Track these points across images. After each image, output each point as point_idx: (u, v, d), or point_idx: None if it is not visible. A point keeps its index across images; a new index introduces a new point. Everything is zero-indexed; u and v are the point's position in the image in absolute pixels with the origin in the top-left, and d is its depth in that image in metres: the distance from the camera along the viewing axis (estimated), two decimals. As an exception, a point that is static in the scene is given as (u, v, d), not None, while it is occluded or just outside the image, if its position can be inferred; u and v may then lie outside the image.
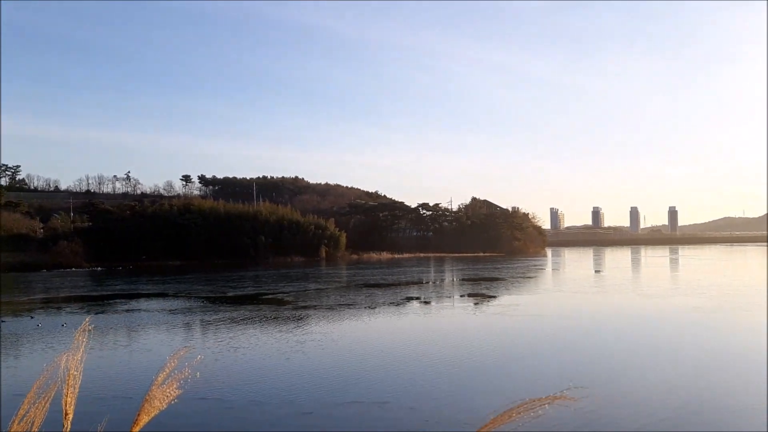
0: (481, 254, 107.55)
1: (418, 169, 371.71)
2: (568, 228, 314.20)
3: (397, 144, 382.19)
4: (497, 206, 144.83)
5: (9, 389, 13.23)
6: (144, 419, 3.07)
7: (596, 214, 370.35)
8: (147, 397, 3.11)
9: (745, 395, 12.31)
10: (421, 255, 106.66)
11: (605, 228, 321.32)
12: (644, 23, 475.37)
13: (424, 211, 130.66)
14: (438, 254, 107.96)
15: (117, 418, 9.76)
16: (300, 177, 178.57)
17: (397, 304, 30.10)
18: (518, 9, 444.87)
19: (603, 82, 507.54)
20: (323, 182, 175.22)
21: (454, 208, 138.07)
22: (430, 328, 23.02)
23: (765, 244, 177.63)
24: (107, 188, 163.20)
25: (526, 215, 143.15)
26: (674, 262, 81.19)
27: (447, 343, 19.11)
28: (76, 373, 3.07)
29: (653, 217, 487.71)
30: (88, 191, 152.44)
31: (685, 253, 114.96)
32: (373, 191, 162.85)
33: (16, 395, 12.01)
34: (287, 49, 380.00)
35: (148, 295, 36.87)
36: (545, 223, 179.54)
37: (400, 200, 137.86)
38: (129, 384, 13.97)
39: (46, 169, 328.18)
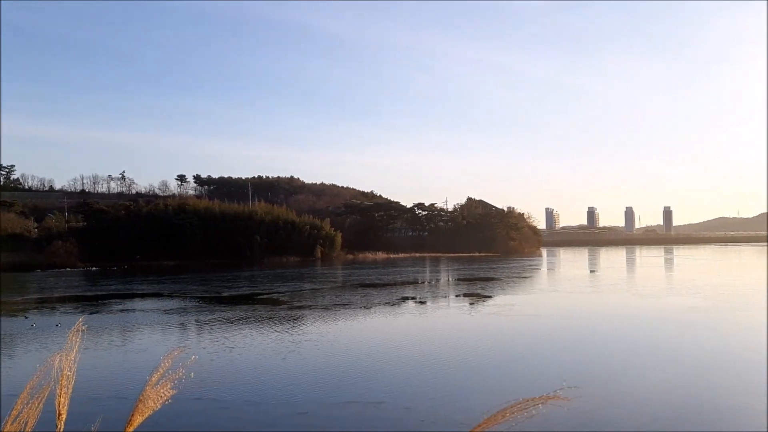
0: (477, 254, 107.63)
1: (413, 169, 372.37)
2: (563, 228, 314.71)
3: (392, 144, 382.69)
4: (493, 206, 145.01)
5: (2, 390, 13.17)
6: (138, 419, 3.07)
7: (591, 214, 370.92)
8: (141, 398, 3.10)
9: (741, 395, 12.35)
10: (417, 255, 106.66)
11: (600, 228, 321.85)
12: (643, 23, 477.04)
13: (420, 211, 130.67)
14: (433, 254, 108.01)
15: (111, 418, 9.74)
16: (295, 177, 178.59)
17: (393, 304, 30.10)
18: (517, 9, 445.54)
19: (600, 83, 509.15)
20: (319, 182, 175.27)
21: (450, 208, 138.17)
22: (425, 328, 23.03)
23: (760, 244, 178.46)
24: (102, 188, 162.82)
25: (521, 215, 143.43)
26: (669, 262, 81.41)
27: (442, 343, 19.12)
28: (69, 373, 3.06)
29: (648, 217, 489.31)
30: (82, 191, 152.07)
31: (680, 253, 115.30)
32: (369, 191, 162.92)
33: (9, 395, 11.96)
34: (284, 49, 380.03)
35: (143, 295, 36.78)
36: (540, 223, 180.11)
37: (395, 200, 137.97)
38: (123, 384, 13.94)
39: (41, 169, 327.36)
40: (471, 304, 30.28)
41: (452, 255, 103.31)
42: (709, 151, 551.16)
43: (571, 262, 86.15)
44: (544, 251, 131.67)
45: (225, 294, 37.30)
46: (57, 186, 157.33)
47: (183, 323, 24.51)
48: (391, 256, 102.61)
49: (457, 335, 20.85)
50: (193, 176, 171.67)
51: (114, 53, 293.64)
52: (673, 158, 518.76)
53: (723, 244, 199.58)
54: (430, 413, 11.30)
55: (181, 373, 3.29)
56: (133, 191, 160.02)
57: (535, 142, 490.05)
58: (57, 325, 23.36)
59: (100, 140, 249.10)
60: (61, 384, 3.03)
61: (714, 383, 13.37)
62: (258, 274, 58.74)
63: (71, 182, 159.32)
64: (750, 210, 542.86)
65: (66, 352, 3.12)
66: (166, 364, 3.26)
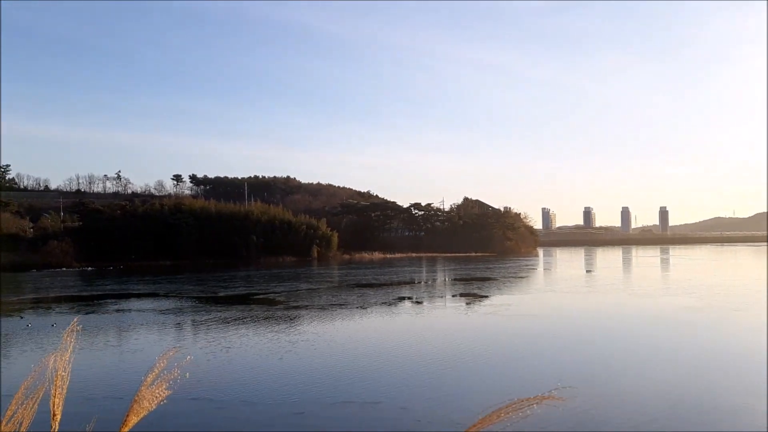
0: (473, 254, 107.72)
1: (410, 169, 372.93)
2: (559, 228, 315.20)
3: (389, 144, 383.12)
4: (489, 206, 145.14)
5: (-2, 390, 13.14)
6: (133, 420, 3.06)
7: (588, 214, 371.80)
8: (136, 398, 3.10)
9: (740, 395, 12.37)
10: (413, 255, 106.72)
11: (597, 228, 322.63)
12: (643, 24, 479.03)
13: (416, 211, 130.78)
14: (430, 254, 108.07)
15: (106, 418, 9.73)
16: (292, 177, 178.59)
17: (389, 304, 30.10)
18: (517, 9, 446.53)
19: (598, 83, 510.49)
20: (315, 182, 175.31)
21: (446, 208, 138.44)
22: (422, 327, 23.03)
23: (756, 244, 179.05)
24: (98, 188, 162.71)
25: (517, 215, 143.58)
26: (665, 262, 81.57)
27: (439, 343, 19.12)
28: (64, 373, 3.06)
29: (644, 217, 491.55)
30: (78, 191, 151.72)
31: (676, 253, 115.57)
32: (366, 191, 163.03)
33: (4, 396, 11.93)
34: (282, 49, 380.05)
35: (139, 295, 36.71)
36: (537, 223, 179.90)
37: (392, 200, 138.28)
38: (118, 384, 13.91)
39: (36, 169, 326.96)
40: (467, 304, 30.30)
41: (449, 255, 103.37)
42: (705, 152, 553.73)
43: (568, 262, 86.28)
44: (540, 251, 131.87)
45: (221, 294, 37.26)
46: (52, 186, 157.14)
47: (179, 323, 24.47)
48: (388, 256, 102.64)
49: (454, 335, 20.85)
50: (189, 176, 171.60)
51: (111, 53, 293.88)
52: (670, 158, 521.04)
53: (719, 244, 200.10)
54: (426, 413, 11.30)
55: (176, 374, 3.28)
56: (129, 191, 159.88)
57: (533, 142, 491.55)
58: (52, 326, 23.31)
59: (95, 140, 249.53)
60: (56, 384, 3.02)
61: (712, 383, 13.39)
62: (254, 274, 58.69)
63: (67, 182, 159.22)
64: (746, 210, 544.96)
65: (61, 353, 3.11)
66: (162, 365, 3.26)
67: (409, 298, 33.99)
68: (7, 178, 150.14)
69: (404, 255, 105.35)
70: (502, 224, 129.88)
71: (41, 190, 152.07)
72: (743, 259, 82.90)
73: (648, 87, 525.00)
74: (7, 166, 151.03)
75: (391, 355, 17.22)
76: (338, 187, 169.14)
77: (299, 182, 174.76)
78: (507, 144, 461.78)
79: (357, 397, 12.47)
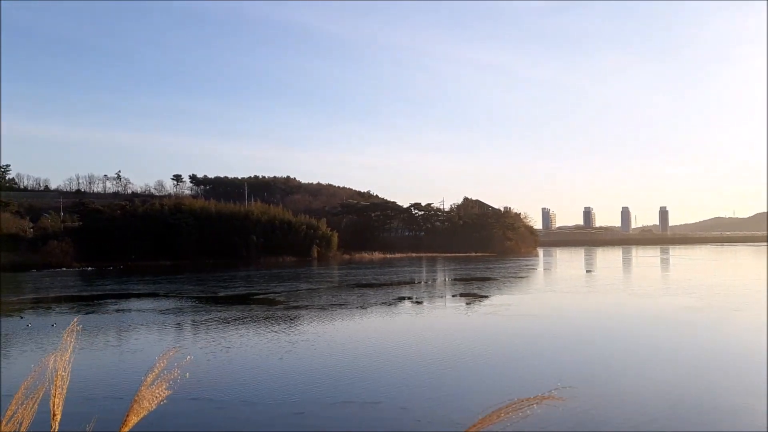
0: (473, 254, 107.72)
1: (410, 169, 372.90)
2: (559, 228, 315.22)
3: (389, 144, 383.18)
4: (489, 206, 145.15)
5: (-2, 390, 13.14)
6: (133, 420, 3.06)
7: (588, 214, 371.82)
8: (136, 398, 3.10)
9: (740, 395, 12.37)
10: (413, 255, 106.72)
11: (596, 228, 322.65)
12: (642, 24, 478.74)
13: (416, 211, 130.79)
14: (430, 254, 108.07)
15: (106, 418, 9.73)
16: (292, 177, 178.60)
17: (389, 304, 30.10)
18: (516, 9, 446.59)
19: (598, 83, 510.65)
20: (315, 182, 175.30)
21: (446, 208, 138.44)
22: (422, 327, 23.03)
23: (756, 244, 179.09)
24: (98, 188, 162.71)
25: (517, 215, 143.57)
26: (665, 262, 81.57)
27: (439, 343, 19.12)
28: (64, 373, 3.06)
29: (644, 217, 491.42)
30: (78, 191, 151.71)
31: (676, 253, 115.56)
32: (365, 191, 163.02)
33: (5, 396, 11.93)
34: (282, 49, 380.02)
35: (139, 295, 36.72)
36: (537, 223, 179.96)
37: (392, 200, 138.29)
38: (119, 384, 13.91)
39: (36, 169, 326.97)
40: (467, 304, 30.30)
41: (449, 255, 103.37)
42: (705, 152, 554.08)
43: (568, 262, 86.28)
44: (540, 251, 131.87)
45: (221, 294, 37.26)
46: (52, 186, 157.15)
47: (179, 323, 24.47)
48: (388, 256, 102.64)
49: (454, 335, 20.85)
50: (189, 176, 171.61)
51: (111, 53, 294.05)
52: (670, 158, 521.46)
53: (719, 244, 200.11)
54: (426, 413, 11.30)
55: (176, 374, 3.29)
56: (129, 191, 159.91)
57: (533, 142, 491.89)
58: (52, 326, 23.31)
59: (95, 140, 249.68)
60: (56, 384, 3.02)
61: (712, 383, 13.38)
62: (254, 274, 58.69)
63: (67, 182, 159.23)
64: (746, 210, 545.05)
65: (61, 353, 3.11)
66: (162, 365, 3.26)
67: (409, 298, 33.99)
68: (7, 178, 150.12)
69: (404, 255, 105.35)
70: (502, 224, 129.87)
71: (41, 190, 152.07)
72: (743, 259, 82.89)
73: (648, 87, 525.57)
74: (7, 166, 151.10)
75: (391, 355, 17.22)
76: (338, 187, 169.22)
77: (299, 182, 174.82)
78: (507, 144, 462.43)
79: (357, 397, 12.47)
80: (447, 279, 50.69)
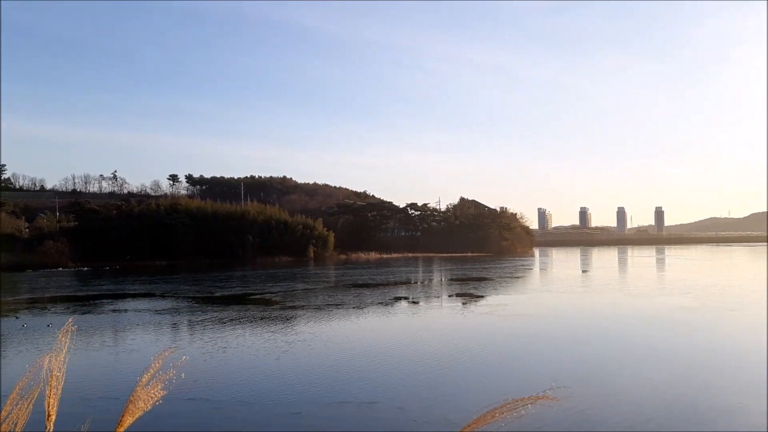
0: (470, 254, 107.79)
1: (406, 169, 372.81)
2: (555, 228, 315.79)
3: (385, 144, 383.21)
4: (485, 206, 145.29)
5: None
6: (128, 420, 3.06)
7: (583, 214, 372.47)
8: (131, 398, 3.10)
9: (737, 395, 12.41)
10: (410, 255, 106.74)
11: (592, 228, 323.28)
12: (641, 24, 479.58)
13: (413, 211, 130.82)
14: (426, 254, 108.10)
15: (101, 418, 9.71)
16: (288, 177, 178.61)
17: (386, 304, 30.10)
18: (515, 10, 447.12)
19: (596, 83, 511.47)
20: (311, 182, 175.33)
21: (443, 208, 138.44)
22: (418, 327, 23.04)
23: (751, 244, 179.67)
24: (93, 188, 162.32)
25: (513, 215, 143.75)
26: (660, 262, 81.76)
27: (435, 343, 19.14)
28: (59, 374, 3.05)
29: (640, 218, 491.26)
30: (74, 191, 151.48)
31: (672, 253, 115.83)
32: (362, 191, 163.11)
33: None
34: (280, 49, 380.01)
35: (135, 296, 36.65)
36: (533, 223, 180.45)
37: (388, 200, 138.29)
38: (114, 385, 13.88)
39: (32, 169, 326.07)
40: (463, 304, 30.32)
41: (445, 255, 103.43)
42: (701, 152, 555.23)
43: (564, 262, 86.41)
44: (536, 251, 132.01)
45: (217, 294, 37.21)
46: (48, 186, 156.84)
47: (175, 323, 24.44)
48: (384, 256, 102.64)
49: (450, 335, 20.87)
50: (185, 176, 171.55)
51: (108, 53, 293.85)
52: (666, 159, 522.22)
53: (714, 244, 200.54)
54: (423, 413, 11.31)
55: (172, 374, 3.29)
56: (125, 191, 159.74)
57: (529, 142, 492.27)
58: (48, 326, 23.25)
59: (91, 140, 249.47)
60: (51, 385, 3.02)
61: (708, 383, 13.42)
62: (250, 274, 58.64)
63: (62, 182, 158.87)
64: (741, 210, 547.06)
65: (56, 353, 3.11)
66: (157, 365, 3.26)
67: (406, 298, 34.00)
68: (2, 178, 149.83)
69: (400, 255, 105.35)
70: (499, 224, 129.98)
71: (37, 190, 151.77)
72: (738, 260, 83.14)
73: (645, 87, 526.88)
74: (3, 165, 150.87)
75: (387, 355, 17.22)
76: (335, 187, 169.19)
77: (296, 182, 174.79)
78: (503, 144, 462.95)
79: (354, 397, 12.47)
80: (443, 279, 50.72)
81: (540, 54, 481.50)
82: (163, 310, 28.55)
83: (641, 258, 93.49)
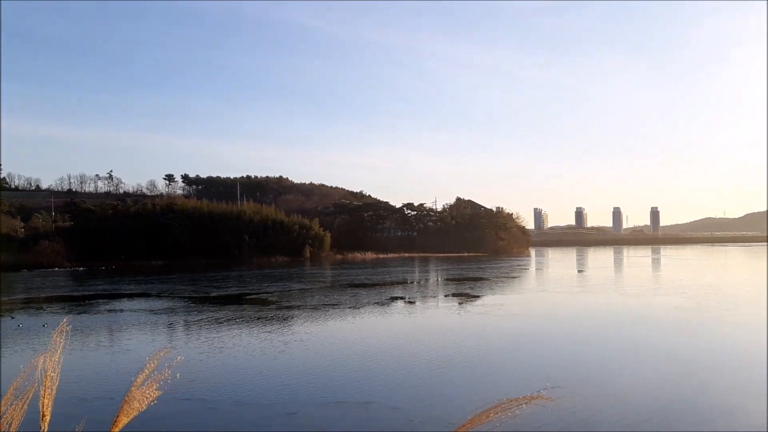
0: (466, 254, 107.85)
1: (403, 169, 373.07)
2: (551, 228, 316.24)
3: (382, 144, 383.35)
4: (481, 206, 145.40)
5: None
6: (123, 420, 3.06)
7: (579, 214, 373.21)
8: (126, 398, 3.09)
9: (729, 394, 12.46)
10: (406, 255, 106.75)
11: (588, 228, 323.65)
12: (640, 24, 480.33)
13: (409, 211, 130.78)
14: (423, 254, 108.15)
15: (96, 419, 9.70)
16: (284, 177, 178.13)
17: (382, 304, 30.11)
18: (513, 10, 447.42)
19: (593, 84, 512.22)
20: (308, 182, 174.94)
21: (439, 208, 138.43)
22: (414, 328, 23.05)
23: (746, 244, 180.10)
24: (89, 187, 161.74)
25: (510, 215, 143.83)
26: (656, 262, 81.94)
27: (432, 343, 19.15)
28: (53, 374, 3.05)
29: (635, 218, 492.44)
30: (69, 190, 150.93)
31: (667, 253, 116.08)
32: (358, 191, 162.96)
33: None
34: (276, 49, 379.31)
35: (131, 295, 36.58)
36: (529, 224, 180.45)
37: (384, 200, 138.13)
38: (110, 385, 13.85)
39: (27, 168, 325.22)
40: (460, 304, 30.34)
41: (441, 255, 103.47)
42: (697, 153, 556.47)
43: (560, 262, 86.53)
44: (532, 251, 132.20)
45: (213, 294, 37.17)
46: (44, 185, 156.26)
47: (171, 323, 24.40)
48: (380, 256, 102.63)
49: (446, 335, 20.89)
50: (181, 176, 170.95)
51: (104, 53, 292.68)
52: (662, 159, 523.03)
53: (709, 244, 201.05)
54: (419, 413, 11.32)
55: (167, 374, 3.28)
56: (121, 191, 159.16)
57: (526, 143, 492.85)
58: (44, 326, 23.20)
59: (87, 140, 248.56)
60: (45, 385, 3.01)
61: (704, 383, 13.44)
62: (246, 274, 58.58)
63: (58, 182, 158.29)
64: (736, 211, 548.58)
65: (50, 353, 3.10)
66: (152, 365, 3.25)
67: (402, 298, 34.00)
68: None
69: (397, 255, 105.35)
70: (494, 224, 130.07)
71: (32, 190, 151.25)
72: (733, 260, 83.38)
73: (642, 88, 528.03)
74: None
75: (383, 355, 17.23)
76: (331, 187, 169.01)
77: (292, 182, 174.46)
78: (500, 145, 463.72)
79: (350, 397, 12.47)
80: (439, 279, 50.75)
81: (538, 54, 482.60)
82: (158, 310, 28.50)
83: (637, 258, 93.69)
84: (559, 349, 17.83)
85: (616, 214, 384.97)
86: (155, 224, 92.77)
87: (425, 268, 68.08)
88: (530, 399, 2.78)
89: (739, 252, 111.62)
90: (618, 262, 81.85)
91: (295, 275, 56.82)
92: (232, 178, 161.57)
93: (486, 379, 14.21)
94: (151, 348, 18.02)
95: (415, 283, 47.53)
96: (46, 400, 2.98)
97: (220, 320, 24.45)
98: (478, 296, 33.72)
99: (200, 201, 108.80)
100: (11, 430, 3.00)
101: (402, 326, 23.55)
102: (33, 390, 3.07)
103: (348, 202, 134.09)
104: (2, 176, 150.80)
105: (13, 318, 25.91)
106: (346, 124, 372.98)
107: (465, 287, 39.88)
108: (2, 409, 3.02)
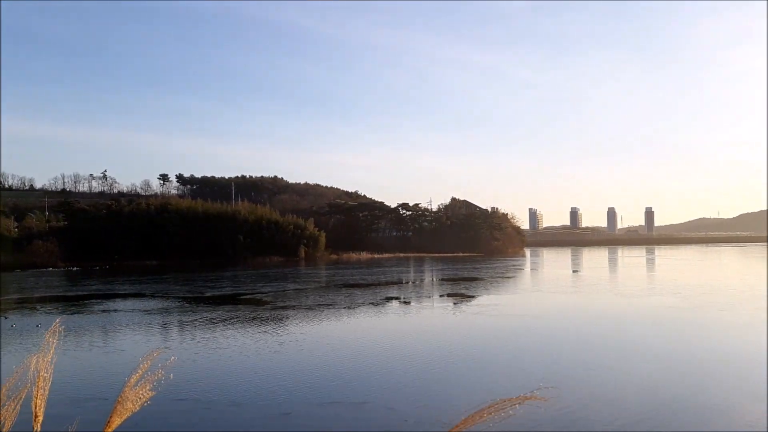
0: (461, 254, 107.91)
1: (398, 169, 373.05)
2: (546, 228, 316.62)
3: (377, 144, 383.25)
4: (476, 206, 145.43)
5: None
6: (116, 421, 3.05)
7: (574, 214, 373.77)
8: (119, 399, 3.08)
9: (725, 394, 12.50)
10: (401, 255, 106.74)
11: (583, 228, 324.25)
12: (637, 24, 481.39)
13: (404, 211, 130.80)
14: (418, 254, 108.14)
15: (89, 419, 9.66)
16: (279, 177, 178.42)
17: (377, 305, 30.10)
18: (508, 10, 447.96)
19: (587, 85, 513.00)
20: (302, 182, 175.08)
21: (434, 208, 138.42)
22: (409, 328, 23.06)
23: (740, 244, 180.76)
24: (83, 187, 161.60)
25: (505, 215, 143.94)
26: (650, 262, 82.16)
27: (427, 344, 19.16)
28: (46, 374, 3.04)
29: (630, 218, 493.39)
30: (63, 190, 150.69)
31: (661, 253, 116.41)
32: (353, 191, 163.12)
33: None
34: (272, 49, 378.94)
35: (125, 296, 36.46)
36: (524, 224, 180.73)
37: (379, 200, 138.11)
38: (103, 386, 13.81)
39: (21, 168, 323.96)
40: (454, 304, 30.36)
41: (436, 255, 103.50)
42: (692, 153, 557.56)
43: (555, 262, 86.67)
44: (527, 251, 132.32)
45: (208, 294, 37.08)
46: (38, 185, 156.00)
47: (165, 324, 24.34)
48: (376, 256, 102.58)
49: (441, 335, 20.90)
50: (176, 176, 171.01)
51: (98, 52, 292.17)
52: (657, 159, 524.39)
53: (704, 244, 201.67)
54: (413, 413, 11.32)
55: (161, 374, 3.27)
56: (115, 190, 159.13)
57: (521, 143, 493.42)
58: (37, 326, 23.10)
59: (81, 139, 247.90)
60: (38, 386, 3.00)
61: (700, 383, 13.48)
62: (241, 274, 58.47)
63: (52, 181, 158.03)
64: (730, 211, 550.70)
65: (43, 354, 3.09)
66: (146, 365, 3.24)
67: (397, 298, 33.99)
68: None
69: (392, 255, 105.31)
70: (489, 224, 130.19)
71: (26, 190, 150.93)
72: (728, 260, 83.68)
73: (638, 88, 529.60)
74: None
75: (378, 355, 17.22)
76: (326, 187, 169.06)
77: (287, 182, 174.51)
78: (495, 145, 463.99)
79: (344, 398, 12.46)
80: (434, 279, 50.77)
81: (533, 55, 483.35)
82: (152, 310, 28.43)
83: (631, 258, 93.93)
84: (553, 349, 17.86)
85: (611, 214, 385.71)
86: (149, 224, 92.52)
87: (420, 268, 68.10)
88: (524, 399, 2.78)
89: (734, 252, 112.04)
90: (612, 263, 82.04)
91: (289, 275, 56.75)
92: (226, 177, 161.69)
93: (480, 379, 14.22)
94: (144, 348, 17.97)
95: (410, 283, 47.54)
96: (38, 401, 2.97)
97: (215, 320, 24.40)
98: (472, 296, 33.75)
99: (195, 201, 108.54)
100: (4, 430, 2.98)
101: (397, 326, 23.55)
102: (26, 390, 3.06)
103: (343, 202, 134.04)
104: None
105: (6, 318, 25.79)
106: (341, 124, 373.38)
107: (460, 287, 39.90)
108: (-6, 409, 3.01)
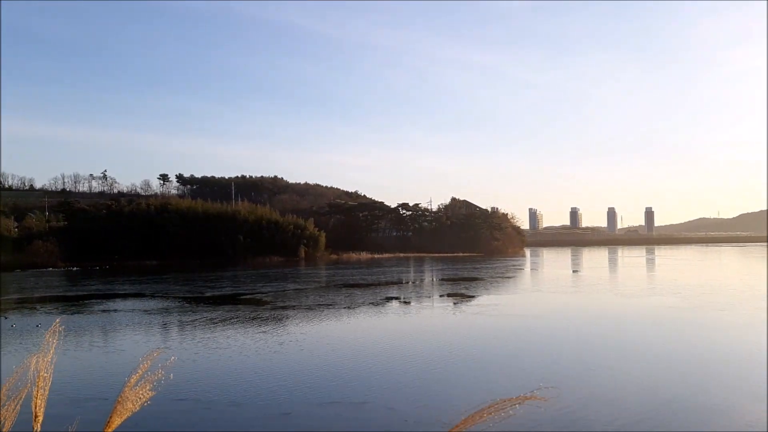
0: (461, 254, 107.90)
1: (398, 169, 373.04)
2: (546, 228, 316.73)
3: (377, 144, 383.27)
4: (476, 206, 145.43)
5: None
6: (116, 421, 3.05)
7: (574, 214, 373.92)
8: (119, 399, 3.08)
9: (724, 394, 12.49)
10: (401, 255, 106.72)
11: (583, 228, 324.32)
12: (636, 24, 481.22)
13: (404, 212, 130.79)
14: (418, 254, 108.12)
15: (89, 419, 9.66)
16: (279, 176, 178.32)
17: (377, 305, 30.09)
18: (507, 10, 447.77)
19: (587, 85, 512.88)
20: (303, 182, 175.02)
21: (434, 208, 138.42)
22: (409, 328, 23.05)
23: (740, 244, 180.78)
24: (83, 187, 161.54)
25: (505, 215, 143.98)
26: (650, 262, 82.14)
27: (426, 344, 19.15)
28: (46, 374, 3.04)
29: (630, 218, 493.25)
30: (63, 190, 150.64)
31: (661, 253, 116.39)
32: (353, 191, 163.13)
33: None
34: (270, 48, 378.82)
35: (125, 296, 36.46)
36: (524, 224, 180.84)
37: (379, 200, 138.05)
38: (103, 386, 13.80)
39: (21, 168, 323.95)
40: (454, 304, 30.35)
41: (436, 255, 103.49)
42: (692, 153, 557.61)
43: (554, 262, 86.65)
44: (527, 251, 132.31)
45: (208, 294, 37.07)
46: (38, 185, 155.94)
47: (165, 324, 24.33)
48: (375, 256, 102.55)
49: (441, 335, 20.90)
50: (176, 176, 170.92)
51: (98, 52, 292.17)
52: (657, 159, 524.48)
53: (704, 244, 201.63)
54: (413, 413, 11.32)
55: (161, 374, 3.27)
56: (115, 190, 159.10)
57: (521, 143, 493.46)
58: (37, 326, 23.10)
59: (81, 139, 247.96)
60: (38, 386, 3.00)
61: (699, 383, 13.48)
62: (241, 274, 58.45)
63: (52, 181, 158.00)
64: (730, 211, 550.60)
65: (43, 354, 3.09)
66: (146, 366, 3.24)
67: (397, 298, 33.98)
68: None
69: (392, 255, 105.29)
70: (489, 224, 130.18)
71: (26, 190, 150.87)
72: (728, 260, 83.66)
73: (637, 88, 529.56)
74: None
75: (378, 355, 17.21)
76: (326, 187, 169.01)
77: (287, 182, 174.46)
78: (495, 145, 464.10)
79: (344, 398, 12.46)
80: (434, 279, 50.76)
81: (534, 55, 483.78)
82: (152, 310, 28.42)
83: (631, 258, 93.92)
84: (553, 349, 17.86)
85: (611, 214, 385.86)
86: (149, 224, 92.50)
87: (420, 268, 68.09)
88: (524, 399, 2.78)
89: (734, 252, 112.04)
90: (612, 263, 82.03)
91: (289, 275, 56.73)
92: (226, 177, 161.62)
93: (480, 379, 14.22)
94: (144, 348, 17.97)
95: (410, 283, 47.53)
96: (38, 401, 2.97)
97: (215, 320, 24.40)
98: (472, 296, 33.74)
99: (195, 201, 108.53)
100: (4, 430, 2.98)
101: (397, 326, 23.54)
102: (26, 390, 3.06)
103: (343, 202, 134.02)
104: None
105: (6, 318, 25.79)
106: (341, 124, 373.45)
107: (460, 287, 39.90)
108: (-5, 409, 3.01)
